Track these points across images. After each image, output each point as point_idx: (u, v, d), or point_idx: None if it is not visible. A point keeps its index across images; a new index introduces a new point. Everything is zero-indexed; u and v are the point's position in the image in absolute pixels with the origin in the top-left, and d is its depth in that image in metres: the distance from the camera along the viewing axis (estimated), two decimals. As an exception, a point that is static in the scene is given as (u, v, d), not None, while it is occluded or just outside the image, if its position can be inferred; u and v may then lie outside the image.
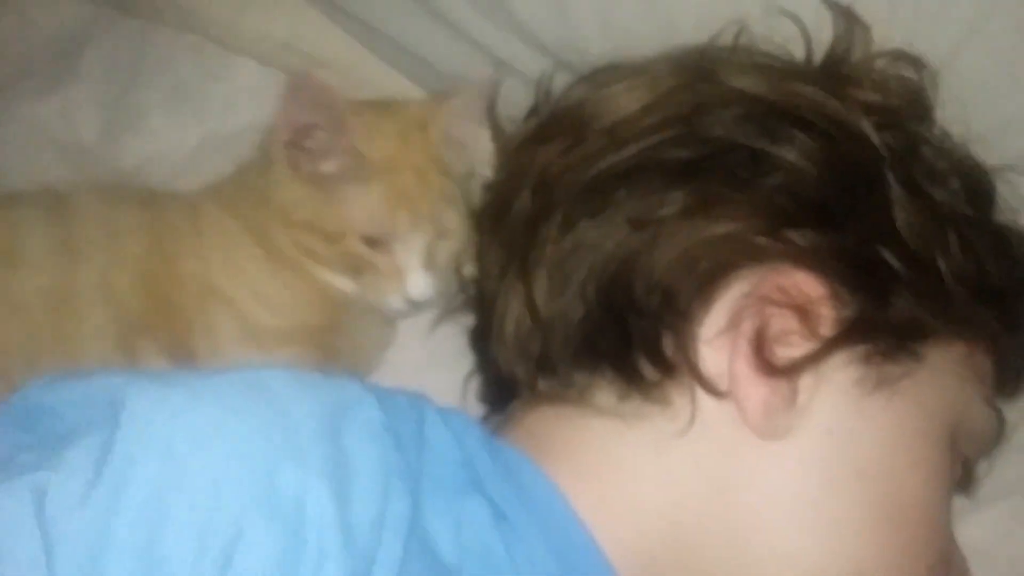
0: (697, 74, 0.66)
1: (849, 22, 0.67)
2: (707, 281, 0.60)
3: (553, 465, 0.61)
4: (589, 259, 0.63)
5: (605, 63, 0.71)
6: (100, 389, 0.51)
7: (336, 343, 0.76)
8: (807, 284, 0.59)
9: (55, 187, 0.76)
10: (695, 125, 0.64)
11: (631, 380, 0.61)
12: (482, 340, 0.72)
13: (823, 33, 0.68)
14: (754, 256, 0.60)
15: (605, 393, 0.62)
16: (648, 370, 0.60)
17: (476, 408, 0.75)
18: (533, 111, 0.74)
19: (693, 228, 0.61)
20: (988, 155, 0.68)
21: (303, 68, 0.74)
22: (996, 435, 0.67)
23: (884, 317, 0.60)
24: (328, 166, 0.72)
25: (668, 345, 0.60)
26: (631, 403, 0.61)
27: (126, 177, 0.83)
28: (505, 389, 0.69)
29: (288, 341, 0.74)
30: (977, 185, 0.67)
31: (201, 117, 0.86)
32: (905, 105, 0.67)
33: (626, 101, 0.66)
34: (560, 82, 0.74)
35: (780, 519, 0.59)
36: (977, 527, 0.72)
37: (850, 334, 0.59)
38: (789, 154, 0.62)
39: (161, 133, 0.85)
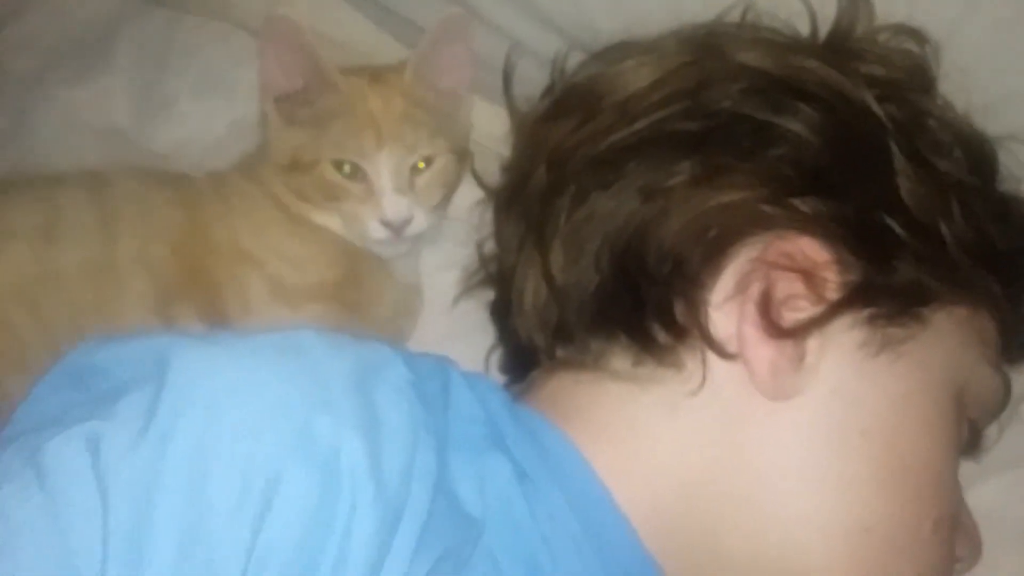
0: (704, 50, 0.68)
1: None
2: (716, 248, 0.62)
3: (571, 427, 0.63)
4: (602, 229, 0.65)
5: (616, 41, 0.73)
6: (146, 349, 0.53)
7: (361, 306, 0.79)
8: (811, 249, 0.61)
9: (92, 169, 0.80)
10: (701, 98, 0.66)
11: (645, 345, 0.63)
12: (502, 312, 0.74)
13: (827, 9, 0.69)
14: (761, 223, 0.62)
15: (620, 358, 0.64)
16: (661, 335, 0.62)
17: (498, 380, 0.77)
18: (548, 90, 0.76)
19: (701, 197, 0.63)
20: (989, 127, 0.69)
21: (274, 13, 0.77)
22: (1003, 399, 0.69)
23: (888, 281, 0.61)
24: (310, 110, 0.77)
25: (679, 311, 0.62)
26: (645, 367, 0.63)
27: (158, 161, 0.86)
28: (525, 359, 0.71)
29: (313, 298, 0.77)
30: (980, 155, 0.68)
31: (229, 102, 0.88)
32: (908, 78, 0.69)
33: (636, 77, 0.68)
34: (574, 62, 0.76)
35: (788, 477, 0.60)
36: (987, 492, 0.73)
37: (854, 298, 0.61)
38: (793, 125, 0.63)
39: (191, 118, 0.88)
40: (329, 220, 0.79)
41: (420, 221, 0.77)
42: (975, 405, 0.65)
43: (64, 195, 0.77)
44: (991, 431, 0.75)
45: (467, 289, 0.80)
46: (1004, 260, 0.66)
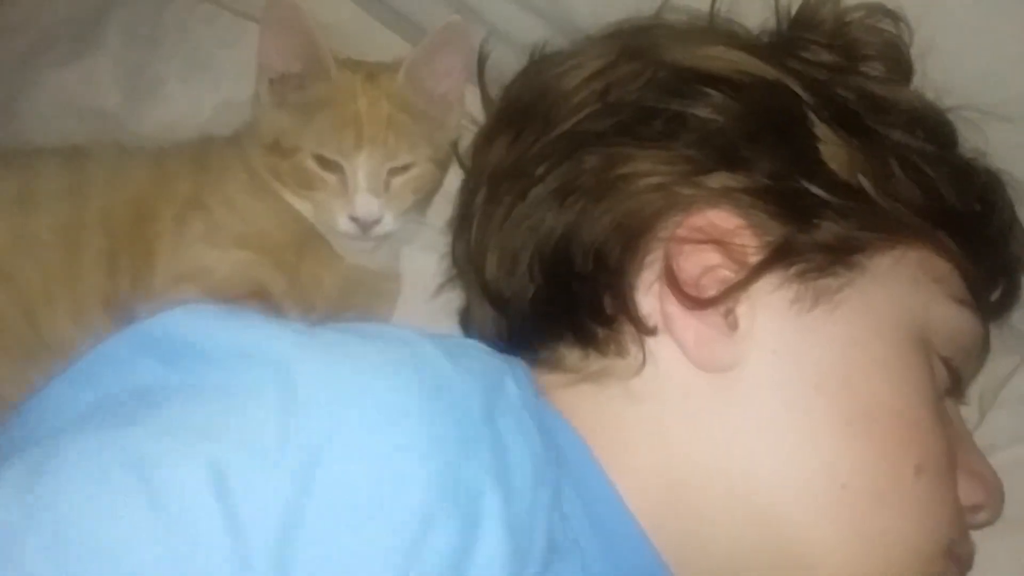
0: (620, 51, 0.68)
1: None
2: (632, 235, 0.62)
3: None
4: (530, 239, 0.65)
5: (543, 53, 0.73)
6: (256, 342, 0.50)
7: (300, 277, 0.79)
8: (719, 218, 0.61)
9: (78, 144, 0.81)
10: (609, 99, 0.66)
11: (586, 340, 0.64)
12: (467, 323, 0.75)
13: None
14: (672, 205, 0.62)
15: (572, 355, 0.65)
16: (598, 329, 0.63)
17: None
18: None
19: (613, 189, 0.63)
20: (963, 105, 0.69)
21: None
22: (977, 338, 0.68)
23: (810, 238, 0.61)
24: (300, 95, 0.78)
25: (608, 302, 0.63)
26: (593, 360, 0.63)
27: (145, 143, 0.85)
28: None
29: (245, 245, 0.78)
30: (936, 127, 0.68)
31: (216, 84, 0.89)
32: (877, 56, 0.69)
33: (557, 87, 0.68)
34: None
35: (752, 444, 0.60)
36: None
37: (774, 258, 0.61)
38: (698, 110, 0.64)
39: (178, 100, 0.89)
40: (299, 204, 0.80)
41: (388, 222, 0.79)
42: (945, 343, 0.64)
43: (40, 164, 0.79)
44: (972, 415, 0.75)
45: (449, 279, 0.79)
46: (957, 216, 0.66)
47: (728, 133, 0.63)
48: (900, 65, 0.69)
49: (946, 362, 0.65)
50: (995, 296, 0.70)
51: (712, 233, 0.61)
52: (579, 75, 0.68)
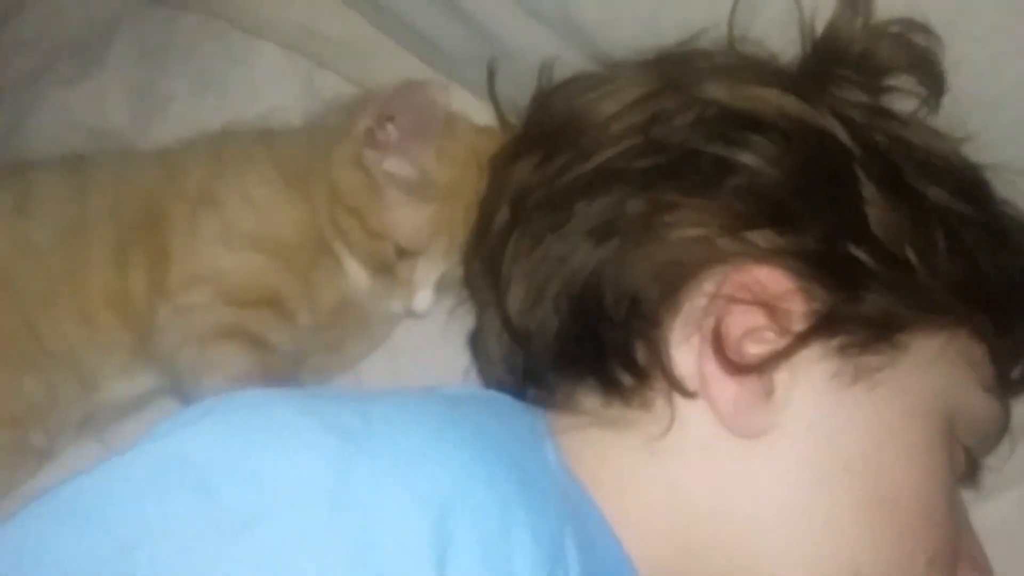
0: (661, 82, 0.66)
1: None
2: (672, 286, 0.60)
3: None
4: (560, 273, 0.63)
5: (576, 73, 0.71)
6: (310, 469, 0.48)
7: (308, 283, 0.77)
8: (771, 280, 0.59)
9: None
10: (652, 134, 0.64)
11: (610, 387, 0.61)
12: (476, 348, 0.73)
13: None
14: (717, 258, 0.60)
15: (590, 399, 0.63)
16: (625, 377, 0.61)
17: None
18: (534, 100, 0.74)
19: (654, 236, 0.61)
20: (992, 124, 0.67)
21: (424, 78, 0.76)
22: (999, 424, 0.66)
23: (856, 310, 0.59)
24: (392, 166, 0.74)
25: (640, 352, 0.60)
26: (615, 408, 0.61)
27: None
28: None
29: (259, 248, 0.76)
30: (971, 183, 0.66)
31: (225, 102, 0.88)
32: (913, 71, 0.67)
33: (592, 112, 0.66)
34: (560, 69, 0.74)
35: (771, 517, 0.58)
36: (987, 515, 0.71)
37: (820, 328, 0.58)
38: (746, 158, 0.61)
39: (187, 117, 0.87)
40: (352, 267, 0.77)
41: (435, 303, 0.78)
42: (968, 431, 0.63)
43: (37, 173, 0.78)
44: (1003, 446, 0.72)
45: (461, 301, 0.78)
46: (995, 291, 0.63)
47: (778, 189, 0.61)
48: (932, 78, 0.67)
49: (967, 450, 0.63)
50: (1017, 373, 0.67)
51: (760, 294, 0.59)
52: (617, 103, 0.66)
